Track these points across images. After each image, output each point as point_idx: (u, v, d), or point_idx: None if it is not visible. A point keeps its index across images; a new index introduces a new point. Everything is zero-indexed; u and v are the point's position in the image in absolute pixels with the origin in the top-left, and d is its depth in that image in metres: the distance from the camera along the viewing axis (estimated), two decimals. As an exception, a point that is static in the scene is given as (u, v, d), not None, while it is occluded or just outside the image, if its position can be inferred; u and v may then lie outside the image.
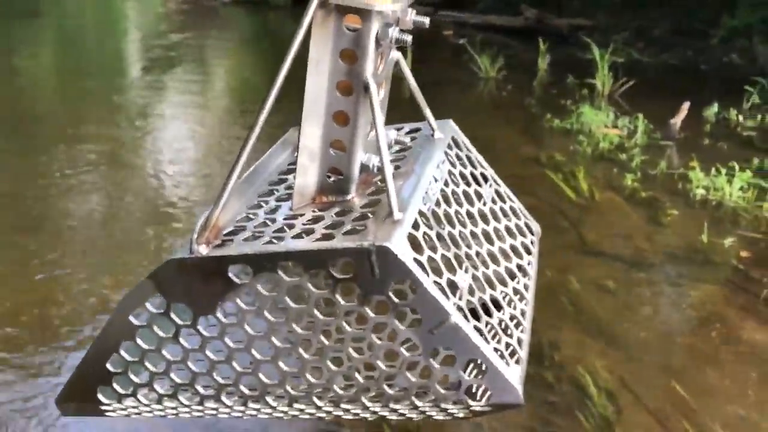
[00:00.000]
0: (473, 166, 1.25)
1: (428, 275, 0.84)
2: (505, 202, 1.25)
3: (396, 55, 1.08)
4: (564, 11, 9.81)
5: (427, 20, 1.01)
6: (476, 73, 6.94)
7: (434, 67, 7.35)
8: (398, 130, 1.28)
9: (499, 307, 1.03)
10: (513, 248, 1.21)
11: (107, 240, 3.39)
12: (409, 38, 0.98)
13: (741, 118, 5.57)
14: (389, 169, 0.92)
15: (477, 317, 0.93)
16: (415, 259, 0.82)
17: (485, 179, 1.25)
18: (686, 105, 5.30)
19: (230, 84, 7.21)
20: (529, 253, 1.23)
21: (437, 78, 6.91)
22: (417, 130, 1.30)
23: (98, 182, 4.08)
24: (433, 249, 0.94)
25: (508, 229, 1.23)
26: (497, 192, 1.28)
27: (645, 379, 2.44)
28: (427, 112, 1.23)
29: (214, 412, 0.94)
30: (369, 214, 0.92)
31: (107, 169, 4.28)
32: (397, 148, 1.20)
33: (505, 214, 1.25)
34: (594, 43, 6.64)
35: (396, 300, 0.87)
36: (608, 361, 2.52)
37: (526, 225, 1.26)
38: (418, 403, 0.90)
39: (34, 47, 8.40)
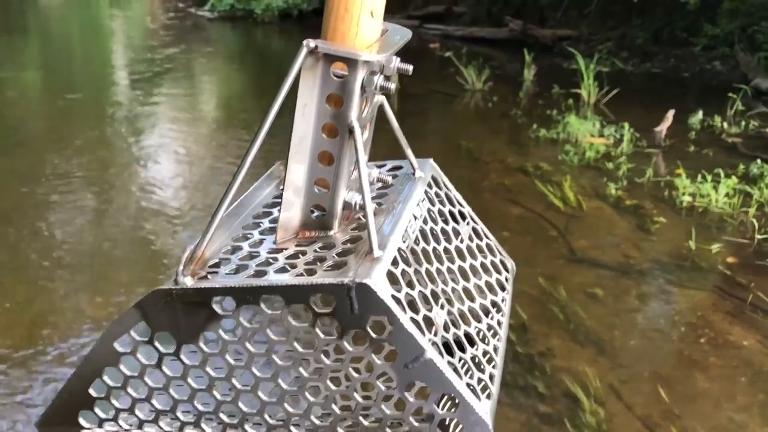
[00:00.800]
0: (452, 205, 1.31)
1: (405, 311, 0.88)
2: (481, 239, 1.31)
3: (380, 98, 1.14)
4: (547, 22, 9.90)
5: (410, 68, 1.07)
6: (462, 84, 6.99)
7: (421, 79, 7.39)
8: (380, 167, 1.35)
9: (472, 342, 1.08)
10: (488, 285, 1.26)
11: (94, 258, 3.38)
12: (392, 86, 1.04)
13: (725, 124, 5.63)
14: (370, 208, 0.97)
15: (451, 353, 0.97)
16: (393, 296, 0.85)
17: (463, 217, 1.30)
18: (671, 113, 5.35)
19: (218, 98, 7.22)
20: (503, 289, 1.29)
21: (424, 90, 6.95)
22: (399, 167, 1.35)
23: (84, 199, 4.07)
24: (411, 285, 0.98)
25: (483, 266, 1.29)
26: (474, 229, 1.33)
27: (634, 386, 2.45)
28: (409, 152, 1.30)
29: None
30: (350, 250, 0.97)
31: (93, 186, 4.26)
32: (379, 185, 1.26)
33: (482, 251, 1.30)
34: (578, 53, 6.71)
35: (373, 335, 0.91)
36: (598, 369, 2.53)
37: (501, 262, 1.31)
38: None
39: (19, 63, 8.38)
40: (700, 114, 5.73)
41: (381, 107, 1.16)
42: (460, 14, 11.50)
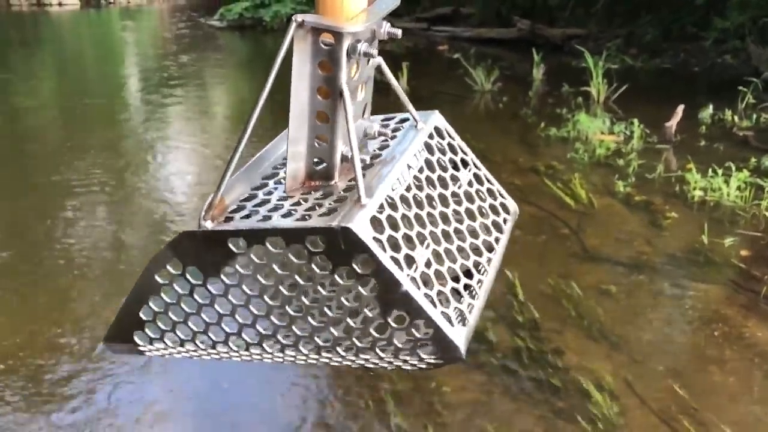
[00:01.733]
0: (453, 153, 1.37)
1: (385, 251, 1.02)
2: (482, 184, 1.37)
3: (377, 60, 1.26)
4: (556, 21, 9.89)
5: (399, 32, 1.19)
6: (471, 86, 7.00)
7: (430, 81, 7.42)
8: (388, 120, 1.45)
9: (457, 278, 1.18)
10: (483, 226, 1.33)
11: (111, 265, 3.43)
12: (374, 52, 1.17)
13: (736, 118, 5.61)
14: (358, 160, 1.11)
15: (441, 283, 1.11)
16: (375, 238, 0.99)
17: (465, 164, 1.37)
18: (681, 108, 5.34)
19: (228, 104, 7.28)
20: (499, 230, 1.36)
21: (433, 92, 6.98)
22: (406, 119, 1.44)
23: (100, 205, 4.13)
24: (395, 228, 1.11)
25: (480, 210, 1.35)
26: (476, 175, 1.39)
27: (649, 381, 2.46)
28: (409, 107, 1.38)
29: (226, 354, 1.13)
30: (344, 198, 1.13)
31: (110, 193, 4.32)
32: (381, 138, 1.36)
33: (480, 196, 1.37)
34: (587, 51, 6.71)
35: (359, 270, 1.05)
36: (612, 365, 2.54)
37: (502, 205, 1.37)
38: (382, 354, 1.05)
39: (35, 73, 8.49)
40: (710, 108, 5.71)
41: (379, 67, 1.31)
42: (468, 15, 11.52)
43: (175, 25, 14.27)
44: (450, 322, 1.10)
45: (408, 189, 1.23)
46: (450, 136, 1.36)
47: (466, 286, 1.20)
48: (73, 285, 3.20)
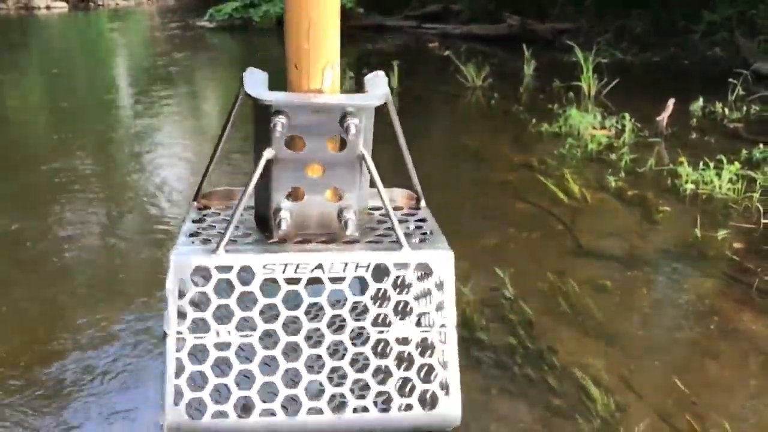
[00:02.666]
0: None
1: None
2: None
3: (353, 126, 1.53)
4: (546, 17, 9.90)
5: (353, 126, 1.49)
6: (463, 83, 7.00)
7: (422, 79, 7.41)
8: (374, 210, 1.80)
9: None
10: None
11: (103, 264, 3.40)
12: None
13: (726, 110, 5.62)
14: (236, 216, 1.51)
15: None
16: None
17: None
18: (671, 101, 5.35)
19: (218, 102, 7.25)
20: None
21: (425, 90, 6.97)
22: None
23: (91, 204, 4.10)
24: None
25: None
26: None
27: (646, 376, 2.46)
28: (399, 232, 1.70)
29: None
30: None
31: (100, 190, 4.29)
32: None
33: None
34: (578, 45, 6.71)
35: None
36: (608, 361, 2.54)
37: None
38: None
39: (23, 73, 8.44)
40: (700, 101, 5.73)
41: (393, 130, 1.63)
42: (458, 12, 11.51)
43: (164, 26, 14.22)
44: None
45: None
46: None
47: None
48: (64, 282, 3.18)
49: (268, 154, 1.40)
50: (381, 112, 1.74)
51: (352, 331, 1.43)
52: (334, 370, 1.41)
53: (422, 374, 1.51)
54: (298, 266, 1.35)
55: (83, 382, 2.45)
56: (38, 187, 4.49)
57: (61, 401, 2.37)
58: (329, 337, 1.38)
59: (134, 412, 2.28)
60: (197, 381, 1.40)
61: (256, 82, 1.46)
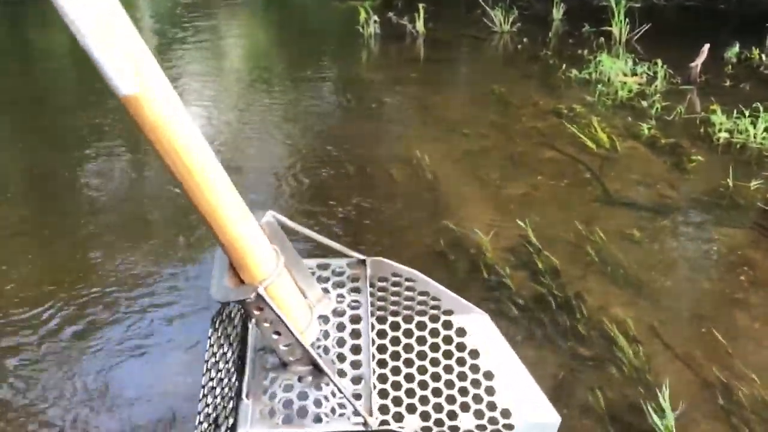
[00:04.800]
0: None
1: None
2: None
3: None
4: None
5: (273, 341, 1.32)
6: (490, 27, 6.84)
7: (448, 23, 7.25)
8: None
9: None
10: None
11: (130, 218, 3.43)
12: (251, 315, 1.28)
13: (764, 56, 5.45)
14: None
15: None
16: None
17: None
18: (706, 47, 5.18)
19: (242, 54, 7.18)
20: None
21: (451, 34, 6.83)
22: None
23: (116, 156, 4.11)
24: None
25: None
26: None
27: (674, 326, 2.45)
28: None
29: None
30: None
31: (125, 141, 4.30)
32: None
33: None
34: (609, -12, 6.50)
35: None
36: (636, 311, 2.52)
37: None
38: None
39: (48, 27, 8.40)
40: (736, 47, 5.55)
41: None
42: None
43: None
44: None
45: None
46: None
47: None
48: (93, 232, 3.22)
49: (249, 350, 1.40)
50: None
51: None
52: None
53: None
54: None
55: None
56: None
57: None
58: None
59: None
60: None
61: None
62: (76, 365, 2.38)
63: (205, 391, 1.48)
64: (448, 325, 1.54)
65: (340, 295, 1.48)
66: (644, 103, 4.57)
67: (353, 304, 1.47)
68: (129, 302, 2.69)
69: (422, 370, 1.48)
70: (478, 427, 1.43)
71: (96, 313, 2.63)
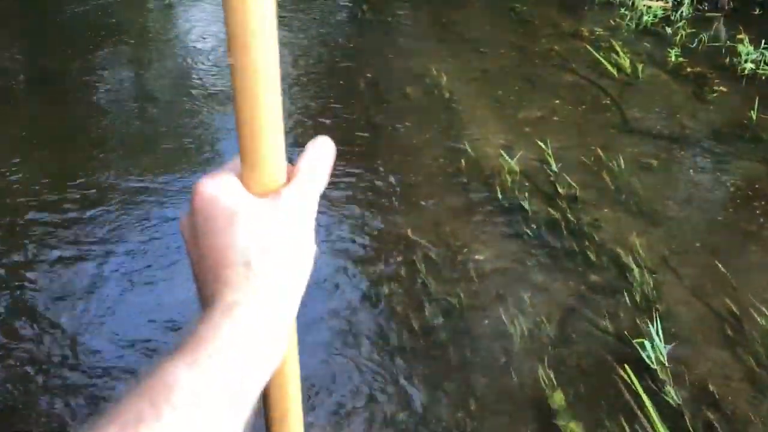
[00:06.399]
0: None
1: None
2: None
3: None
4: None
5: None
6: (512, -58, 6.57)
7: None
8: None
9: None
10: None
11: (142, 124, 3.38)
12: None
13: (796, -14, 5.24)
14: None
15: None
16: None
17: None
18: (737, -27, 4.98)
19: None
20: None
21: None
22: None
23: (128, 62, 4.03)
24: None
25: None
26: None
27: (686, 256, 2.44)
28: None
29: None
30: None
31: (136, 47, 4.20)
32: None
33: None
34: None
35: None
36: (649, 240, 2.50)
37: None
38: None
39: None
40: (768, -26, 5.34)
41: None
42: None
43: None
44: None
45: None
46: None
47: None
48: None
49: None
50: None
51: None
52: None
53: None
54: None
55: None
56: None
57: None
58: None
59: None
60: None
61: None
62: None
63: None
64: None
65: None
66: (668, 30, 4.43)
67: None
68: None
69: None
70: None
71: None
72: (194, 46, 4.20)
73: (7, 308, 2.21)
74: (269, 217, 0.49)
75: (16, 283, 2.30)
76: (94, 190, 2.77)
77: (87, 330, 2.13)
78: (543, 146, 3.02)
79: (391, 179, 2.82)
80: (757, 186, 2.85)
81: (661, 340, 2.01)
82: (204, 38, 4.31)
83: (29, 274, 2.34)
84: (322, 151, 0.54)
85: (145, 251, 2.46)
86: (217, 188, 0.49)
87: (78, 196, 2.73)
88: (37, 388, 1.95)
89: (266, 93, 0.50)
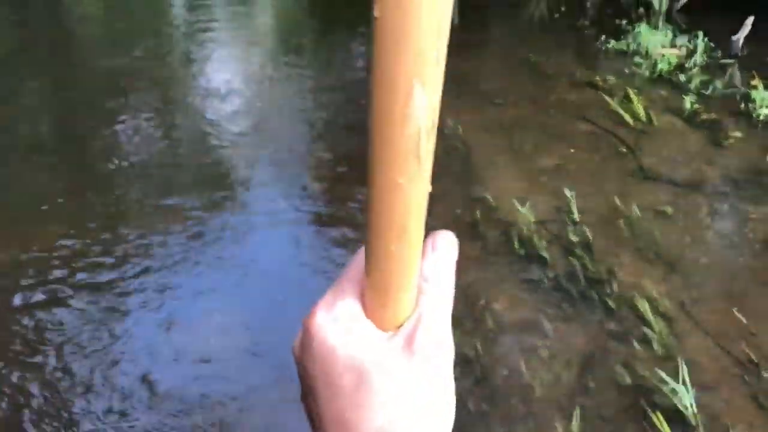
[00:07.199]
0: None
1: None
2: None
3: None
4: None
5: None
6: (527, -6, 6.72)
7: (483, -10, 7.14)
8: None
9: None
10: None
11: (157, 167, 3.47)
12: None
13: (809, 31, 5.29)
14: None
15: None
16: None
17: None
18: (750, 20, 5.05)
19: (274, 20, 7.15)
20: None
21: (486, 1, 6.73)
22: None
23: (146, 113, 4.15)
24: None
25: None
26: None
27: (705, 304, 2.44)
28: None
29: None
30: None
31: (155, 101, 4.33)
32: None
33: None
34: (651, -43, 6.33)
35: None
36: (667, 287, 2.51)
37: None
38: None
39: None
40: (781, 20, 5.40)
41: None
42: None
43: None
44: None
45: None
46: None
47: None
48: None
49: None
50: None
51: None
52: None
53: None
54: None
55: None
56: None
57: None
58: None
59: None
60: None
61: None
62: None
63: None
64: None
65: None
66: (683, 77, 4.48)
67: None
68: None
69: None
70: None
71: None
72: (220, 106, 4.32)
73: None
74: (408, 378, 0.39)
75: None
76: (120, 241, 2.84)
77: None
78: (560, 195, 3.06)
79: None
80: (775, 232, 2.86)
81: (688, 390, 2.01)
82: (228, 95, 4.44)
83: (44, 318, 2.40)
84: (447, 257, 0.44)
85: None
86: (337, 332, 0.40)
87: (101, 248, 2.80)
88: None
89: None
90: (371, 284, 0.41)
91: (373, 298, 0.41)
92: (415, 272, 0.41)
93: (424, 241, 0.42)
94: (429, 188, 0.40)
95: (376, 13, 0.34)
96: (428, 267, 0.43)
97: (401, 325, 0.41)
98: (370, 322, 0.41)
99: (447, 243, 0.45)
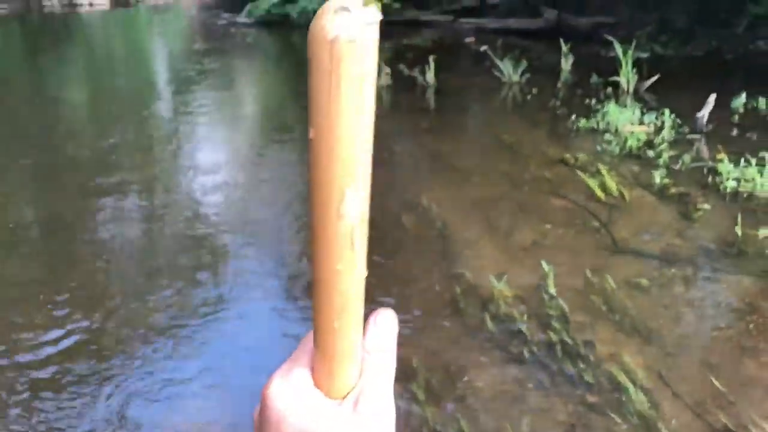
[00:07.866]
0: None
1: None
2: None
3: None
4: (584, 9, 9.80)
5: None
6: (499, 78, 6.98)
7: (457, 74, 7.41)
8: None
9: None
10: None
11: (143, 262, 3.50)
12: None
13: (770, 106, 5.52)
14: None
15: None
16: None
17: None
18: (713, 97, 5.28)
19: (259, 101, 7.35)
20: None
21: (461, 85, 6.97)
22: None
23: (130, 203, 4.21)
24: None
25: None
26: None
27: (682, 374, 2.46)
28: None
29: None
30: None
31: (141, 191, 4.40)
32: None
33: None
34: (617, 39, 6.65)
35: None
36: (645, 358, 2.54)
37: None
38: None
39: (74, 67, 8.66)
40: (743, 97, 5.63)
41: None
42: (494, 6, 11.47)
43: (203, 22, 14.41)
44: None
45: None
46: None
47: None
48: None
49: None
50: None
51: None
52: None
53: None
54: None
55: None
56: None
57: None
58: None
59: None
60: None
61: None
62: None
63: None
64: None
65: None
66: (651, 153, 4.64)
67: None
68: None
69: None
70: None
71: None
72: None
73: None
74: None
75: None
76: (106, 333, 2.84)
77: None
78: (536, 269, 3.12)
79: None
80: (747, 300, 2.91)
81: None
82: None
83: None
84: (388, 331, 0.48)
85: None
86: (289, 400, 0.44)
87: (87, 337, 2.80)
88: None
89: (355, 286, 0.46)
90: (319, 357, 0.46)
91: (321, 369, 0.46)
92: (357, 346, 0.46)
93: (366, 318, 0.47)
94: (365, 272, 0.46)
95: (311, 135, 0.42)
96: (370, 341, 0.47)
97: (347, 394, 0.45)
98: (319, 391, 0.45)
99: (387, 319, 0.49)
